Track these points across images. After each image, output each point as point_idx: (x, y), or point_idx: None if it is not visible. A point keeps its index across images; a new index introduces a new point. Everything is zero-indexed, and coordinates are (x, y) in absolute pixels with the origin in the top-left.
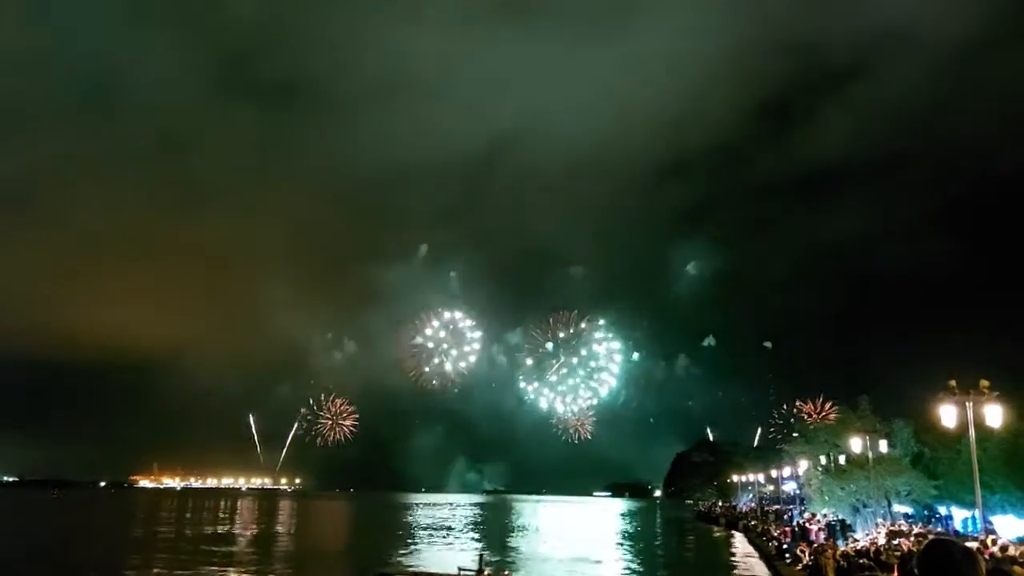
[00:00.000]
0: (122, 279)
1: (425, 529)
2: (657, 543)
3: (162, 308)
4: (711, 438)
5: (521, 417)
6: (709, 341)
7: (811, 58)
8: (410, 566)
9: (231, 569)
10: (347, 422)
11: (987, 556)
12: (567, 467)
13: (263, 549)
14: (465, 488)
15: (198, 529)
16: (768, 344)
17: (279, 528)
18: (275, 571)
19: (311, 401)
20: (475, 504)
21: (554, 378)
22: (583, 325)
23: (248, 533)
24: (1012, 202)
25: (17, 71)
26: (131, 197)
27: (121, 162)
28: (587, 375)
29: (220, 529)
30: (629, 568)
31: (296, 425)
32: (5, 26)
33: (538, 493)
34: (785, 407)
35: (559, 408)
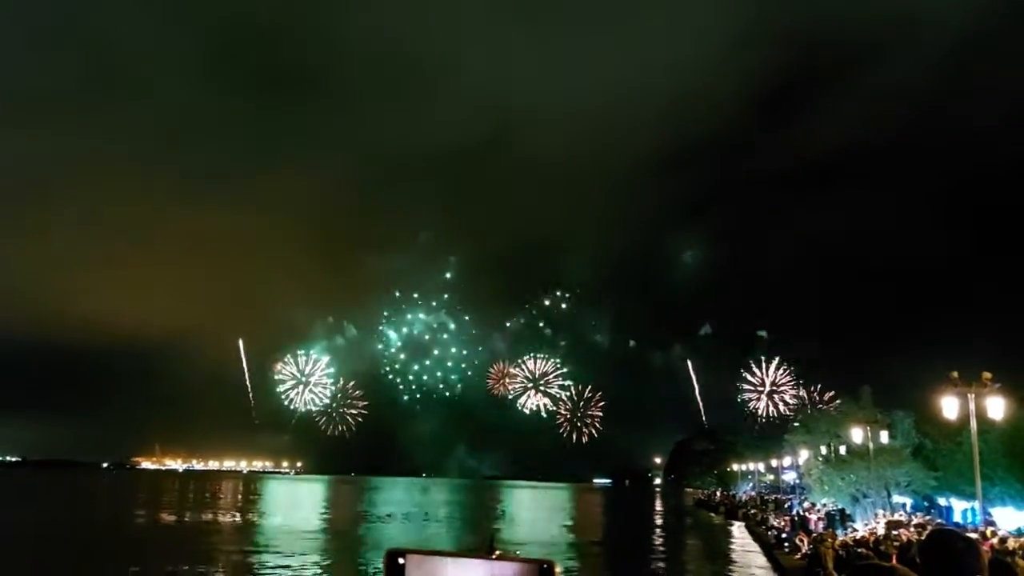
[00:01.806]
0: (126, 265)
1: (433, 512)
2: (657, 530)
3: (166, 293)
4: (712, 427)
5: (520, 404)
6: (706, 330)
7: (812, 48)
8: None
9: (246, 552)
10: (353, 410)
11: (987, 548)
12: (567, 454)
13: (278, 532)
14: (464, 474)
15: (196, 513)
16: (763, 334)
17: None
18: (285, 553)
19: (320, 388)
20: (476, 489)
21: (554, 372)
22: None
23: (263, 517)
24: (1016, 193)
25: (14, 63)
26: (133, 186)
27: (123, 151)
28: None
29: (221, 513)
30: (631, 554)
31: (296, 404)
32: (2, 20)
33: (537, 480)
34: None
35: (560, 407)
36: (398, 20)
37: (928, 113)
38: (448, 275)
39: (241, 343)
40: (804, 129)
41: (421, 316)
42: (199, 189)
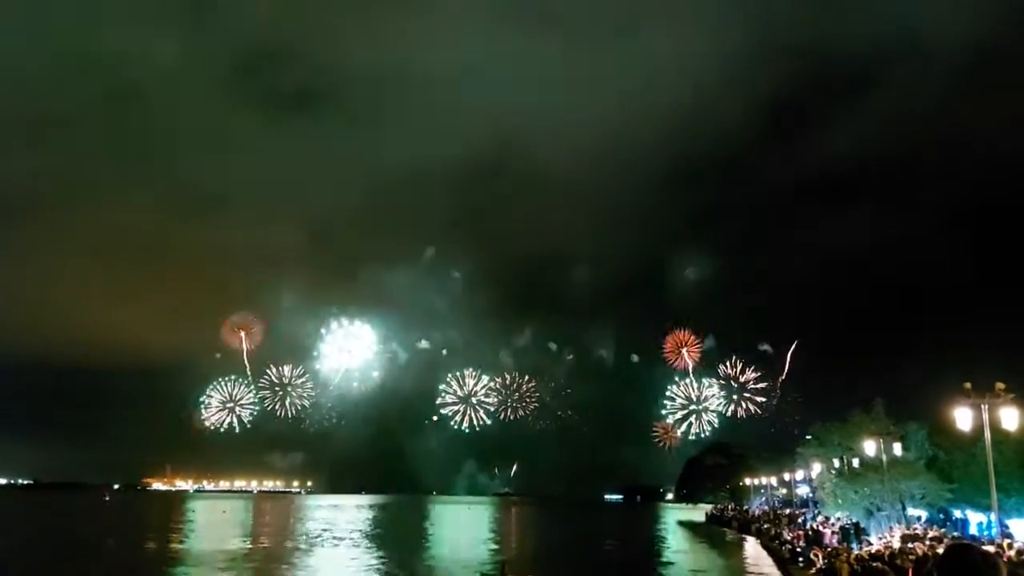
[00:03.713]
0: (134, 283)
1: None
2: (669, 546)
3: (175, 311)
4: (722, 441)
5: (530, 420)
6: (709, 343)
7: (822, 63)
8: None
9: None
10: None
11: (1005, 560)
12: (578, 470)
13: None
14: (475, 491)
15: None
16: (767, 347)
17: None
18: None
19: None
20: (488, 507)
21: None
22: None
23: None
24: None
25: (23, 76)
26: (141, 201)
27: (129, 166)
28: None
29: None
30: (645, 571)
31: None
32: (7, 30)
33: (547, 496)
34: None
35: (569, 423)
36: (400, 38)
37: (934, 126)
38: (453, 291)
39: (244, 343)
40: (811, 144)
41: (428, 332)
42: (203, 206)
